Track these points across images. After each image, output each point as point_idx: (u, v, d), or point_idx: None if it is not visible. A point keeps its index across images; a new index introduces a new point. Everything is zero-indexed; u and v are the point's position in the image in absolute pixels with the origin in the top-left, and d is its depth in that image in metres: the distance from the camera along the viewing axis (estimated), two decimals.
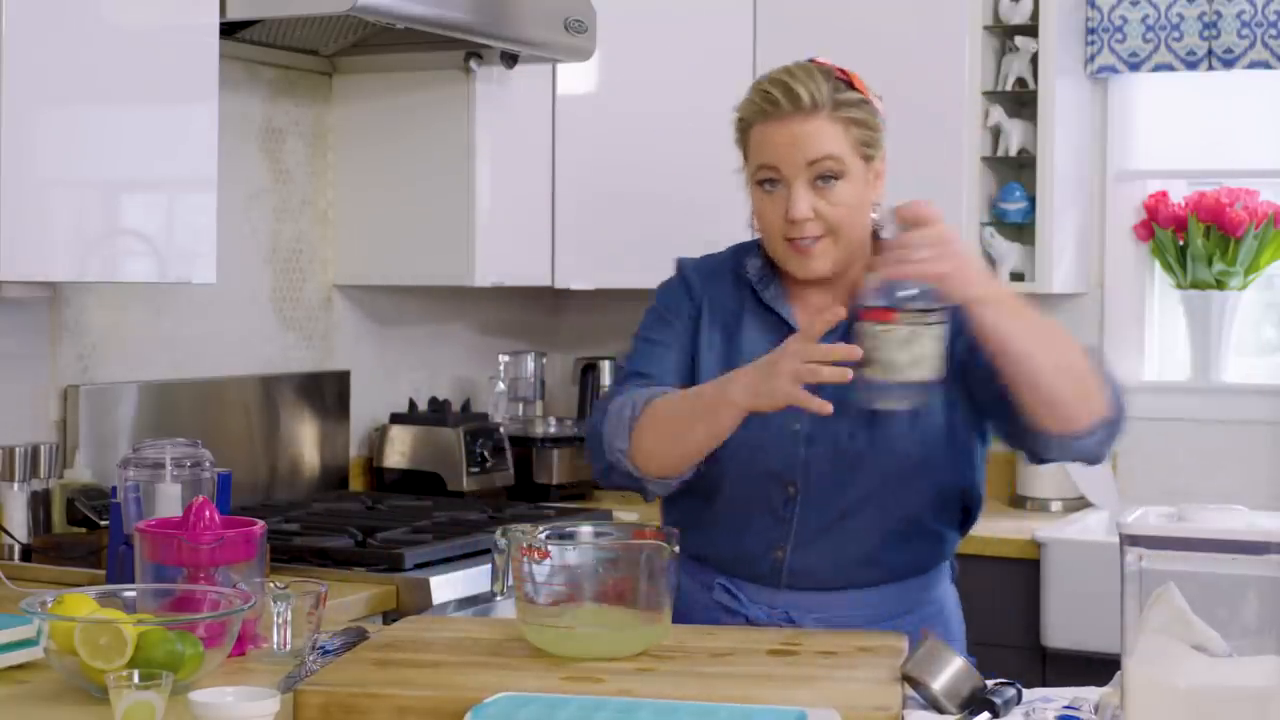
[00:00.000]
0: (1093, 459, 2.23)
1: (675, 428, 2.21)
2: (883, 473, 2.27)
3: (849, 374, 2.05)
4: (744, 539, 2.31)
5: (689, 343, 2.35)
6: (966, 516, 2.38)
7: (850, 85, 2.26)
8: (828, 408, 2.06)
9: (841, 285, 2.30)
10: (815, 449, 2.27)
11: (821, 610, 2.29)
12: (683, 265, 2.44)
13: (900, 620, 2.29)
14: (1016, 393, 2.14)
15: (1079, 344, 2.17)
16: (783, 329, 2.29)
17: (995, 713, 1.82)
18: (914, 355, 2.04)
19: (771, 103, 2.24)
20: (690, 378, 2.33)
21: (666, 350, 2.35)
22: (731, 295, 2.37)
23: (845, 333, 2.13)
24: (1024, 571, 3.59)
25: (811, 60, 2.29)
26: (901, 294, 2.05)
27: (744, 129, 2.29)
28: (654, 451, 2.23)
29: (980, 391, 2.23)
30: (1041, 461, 2.25)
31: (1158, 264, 4.14)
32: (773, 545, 2.30)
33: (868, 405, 2.11)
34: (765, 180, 2.26)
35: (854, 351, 2.04)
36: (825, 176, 2.22)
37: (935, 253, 2.04)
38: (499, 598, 2.73)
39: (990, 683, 1.87)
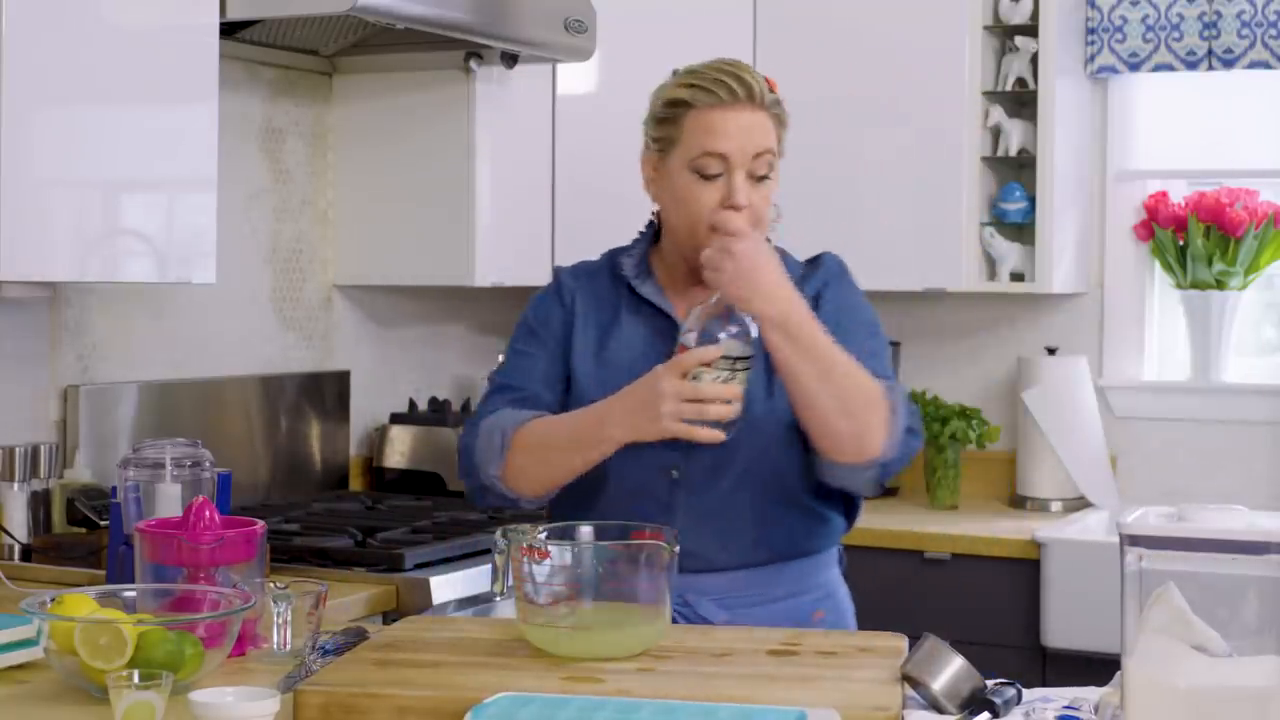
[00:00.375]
0: (858, 492, 2.35)
1: (551, 455, 2.27)
2: (755, 450, 2.30)
3: (736, 410, 2.13)
4: None
5: (560, 350, 2.39)
6: (851, 504, 2.42)
7: (770, 88, 2.31)
8: (720, 435, 2.14)
9: None
10: None
11: (715, 592, 2.33)
12: (559, 273, 2.49)
13: (793, 601, 2.35)
14: (796, 412, 2.23)
15: (875, 383, 2.23)
16: (660, 320, 2.35)
17: (995, 713, 1.82)
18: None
19: (727, 90, 2.26)
20: (563, 384, 2.38)
21: (534, 362, 2.39)
22: (608, 292, 2.42)
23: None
24: (1024, 571, 3.59)
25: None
26: (723, 336, 2.14)
27: (677, 115, 2.30)
28: (528, 474, 2.29)
29: None
30: (818, 478, 2.31)
31: (1158, 264, 4.13)
32: None
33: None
34: (705, 166, 2.27)
35: (734, 392, 2.12)
36: (761, 169, 2.27)
37: (719, 263, 2.14)
38: (499, 598, 2.73)
39: (990, 683, 1.87)
